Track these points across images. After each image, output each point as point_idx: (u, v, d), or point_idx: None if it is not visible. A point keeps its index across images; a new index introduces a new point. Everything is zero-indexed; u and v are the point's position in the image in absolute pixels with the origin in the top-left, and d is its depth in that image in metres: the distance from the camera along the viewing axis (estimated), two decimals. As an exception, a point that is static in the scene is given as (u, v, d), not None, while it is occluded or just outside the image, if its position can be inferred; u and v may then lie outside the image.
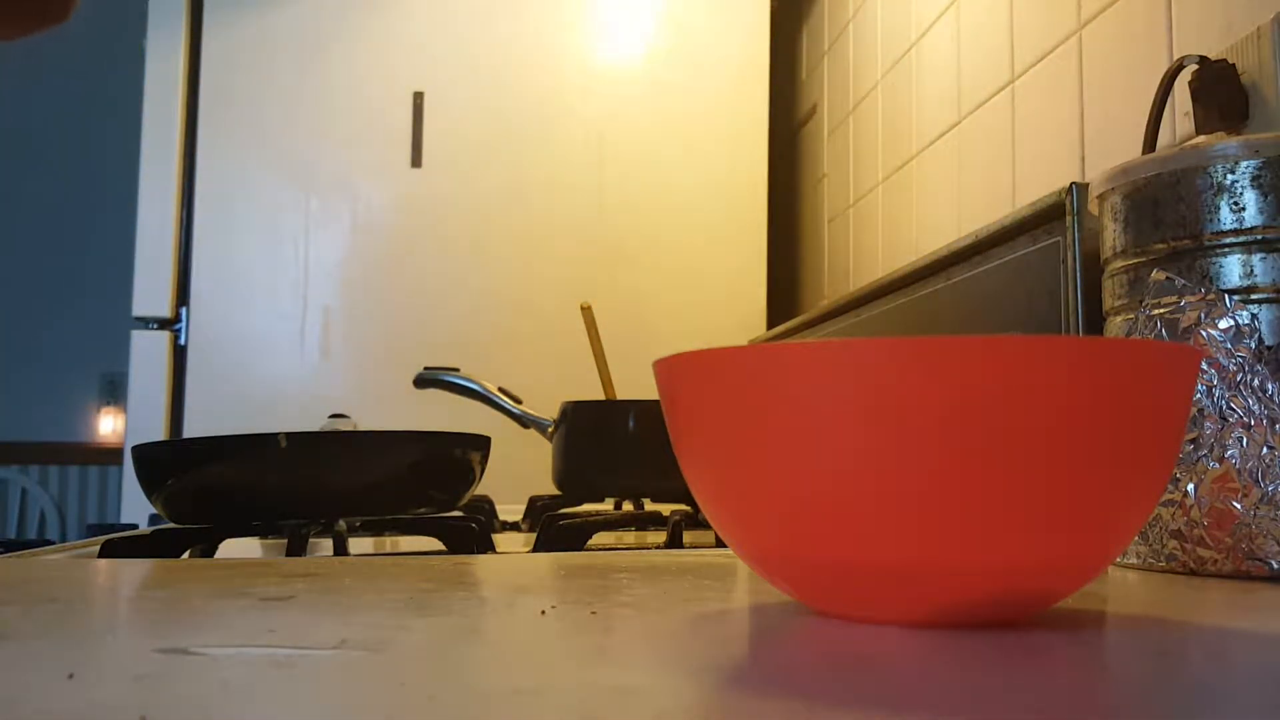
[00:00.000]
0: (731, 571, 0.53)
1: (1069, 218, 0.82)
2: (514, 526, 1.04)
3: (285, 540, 0.72)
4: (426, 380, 1.20)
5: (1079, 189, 0.82)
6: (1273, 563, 0.49)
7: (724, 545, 0.69)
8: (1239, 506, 0.49)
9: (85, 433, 3.69)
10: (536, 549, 0.76)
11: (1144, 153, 0.76)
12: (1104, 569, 0.38)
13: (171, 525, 0.76)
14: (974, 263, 1.00)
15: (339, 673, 0.29)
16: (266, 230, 1.80)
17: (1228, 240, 0.55)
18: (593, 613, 0.39)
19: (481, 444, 0.82)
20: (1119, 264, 0.61)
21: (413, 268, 1.81)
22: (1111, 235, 0.61)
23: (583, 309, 1.17)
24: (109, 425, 3.68)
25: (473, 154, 1.83)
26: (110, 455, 3.56)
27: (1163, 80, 0.78)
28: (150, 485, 0.75)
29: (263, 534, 0.81)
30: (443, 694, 0.27)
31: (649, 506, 1.06)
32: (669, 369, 0.38)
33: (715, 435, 0.36)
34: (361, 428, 0.96)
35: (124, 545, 0.71)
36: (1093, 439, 0.32)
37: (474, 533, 0.76)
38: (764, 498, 0.35)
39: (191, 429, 1.76)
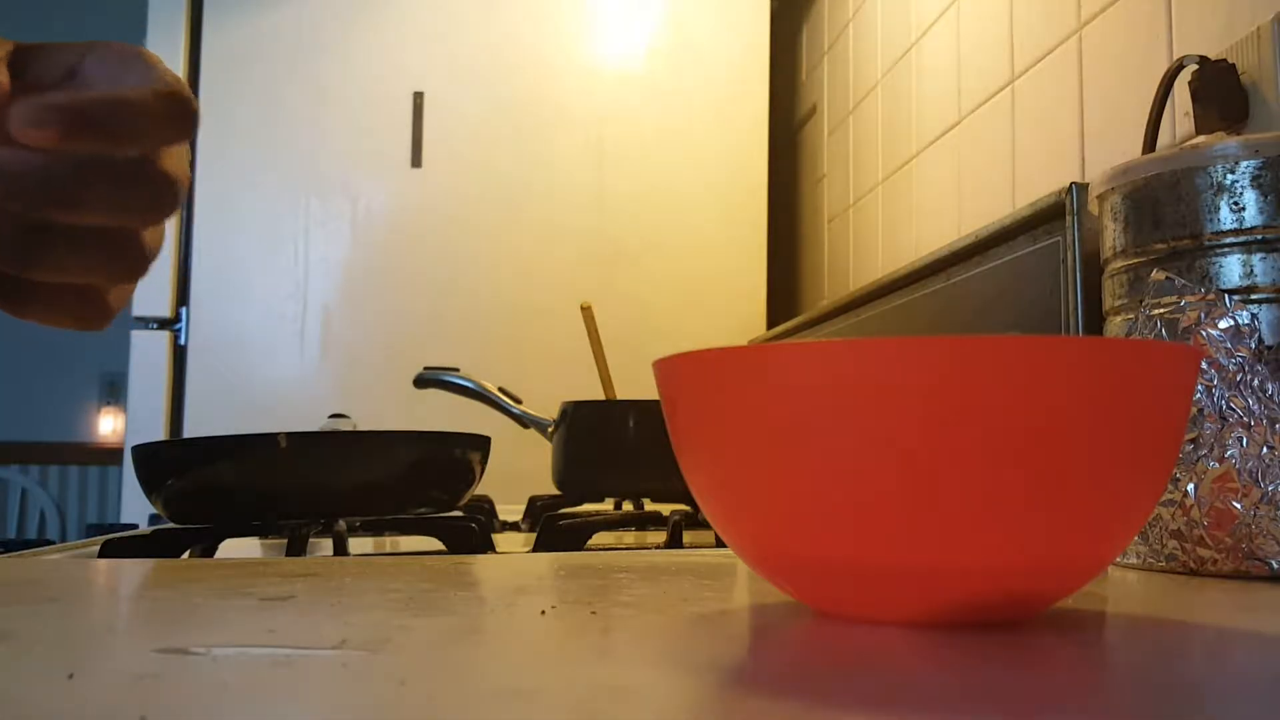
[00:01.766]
0: (731, 571, 0.53)
1: (1069, 218, 0.82)
2: (514, 526, 1.04)
3: (285, 540, 0.72)
4: (426, 380, 1.20)
5: (1079, 189, 0.82)
6: (1273, 562, 0.49)
7: (724, 545, 0.69)
8: (1239, 506, 0.49)
9: (85, 433, 3.69)
10: (536, 549, 0.76)
11: (1144, 152, 0.76)
12: (1104, 569, 0.38)
13: (171, 525, 0.76)
14: (974, 263, 1.00)
15: (339, 672, 0.29)
16: (266, 230, 1.80)
17: (1228, 240, 0.55)
18: (593, 613, 0.39)
19: (481, 444, 0.82)
20: (1119, 264, 0.61)
21: (413, 268, 1.81)
22: (1111, 235, 0.61)
23: (583, 309, 1.17)
24: (109, 425, 3.68)
25: (473, 154, 1.83)
26: (110, 455, 3.56)
27: (1163, 80, 0.78)
28: (150, 485, 0.75)
29: (263, 534, 0.81)
30: (442, 694, 0.27)
31: (649, 506, 1.06)
32: (669, 369, 0.38)
33: (715, 435, 0.36)
34: (361, 428, 0.96)
35: (124, 545, 0.71)
36: (1093, 439, 0.32)
37: (474, 533, 0.76)
38: (764, 498, 0.35)
39: (191, 429, 1.76)
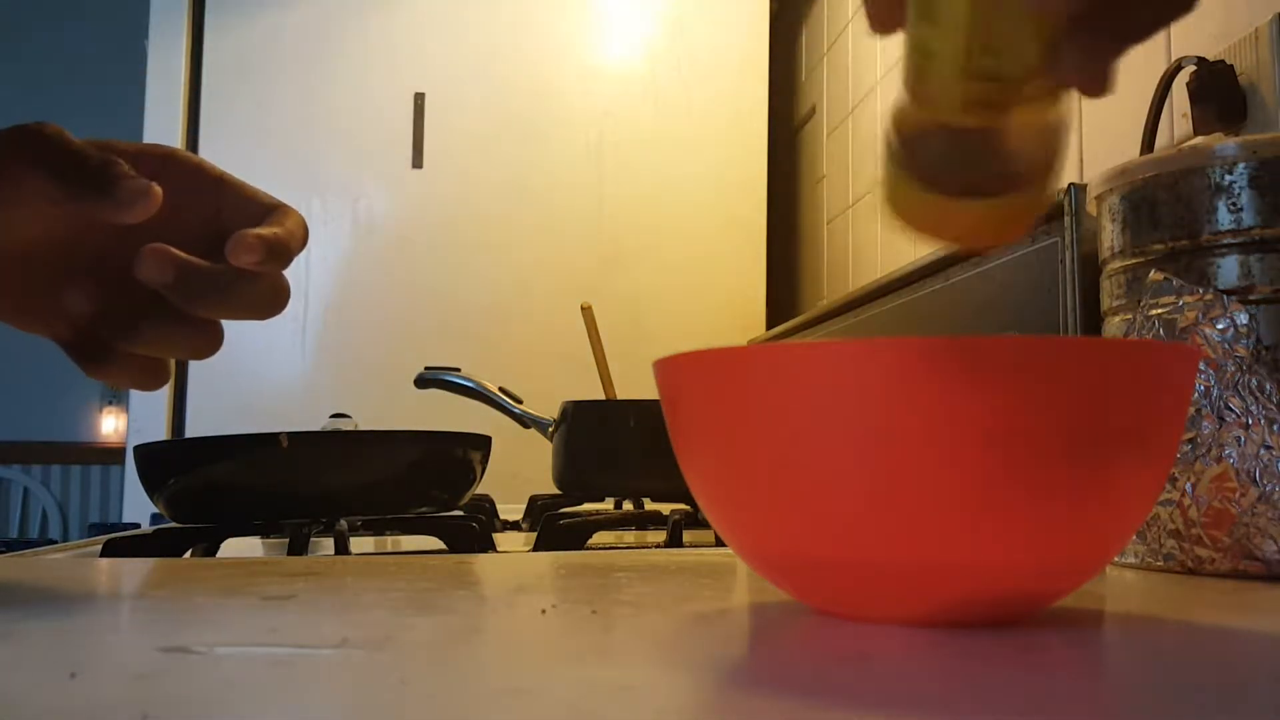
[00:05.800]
0: (731, 571, 0.53)
1: (1067, 218, 0.82)
2: (514, 526, 1.04)
3: (287, 539, 0.73)
4: (427, 380, 1.20)
5: (1077, 189, 0.82)
6: (1270, 562, 0.49)
7: (724, 545, 0.69)
8: (1237, 506, 0.50)
9: (87, 432, 3.70)
10: (537, 548, 0.77)
11: (1142, 153, 0.76)
12: (1102, 569, 0.38)
13: (173, 524, 0.76)
14: (972, 263, 1.01)
15: (340, 671, 0.29)
16: (267, 230, 1.80)
17: (1225, 241, 0.55)
18: (593, 612, 0.39)
19: (482, 444, 0.82)
20: (1117, 264, 0.61)
21: (414, 268, 1.81)
22: (1109, 236, 0.62)
23: (583, 309, 1.17)
24: (110, 425, 3.68)
25: (473, 154, 1.83)
26: (112, 455, 3.56)
27: (1161, 81, 0.78)
28: (152, 485, 0.76)
29: (264, 533, 0.81)
30: (443, 693, 0.27)
31: (649, 506, 1.06)
32: (669, 369, 0.38)
33: (715, 435, 0.36)
34: (362, 427, 0.96)
35: (126, 544, 0.71)
36: (1091, 439, 0.33)
37: (474, 532, 0.76)
38: (764, 498, 0.35)
39: (193, 428, 1.76)
